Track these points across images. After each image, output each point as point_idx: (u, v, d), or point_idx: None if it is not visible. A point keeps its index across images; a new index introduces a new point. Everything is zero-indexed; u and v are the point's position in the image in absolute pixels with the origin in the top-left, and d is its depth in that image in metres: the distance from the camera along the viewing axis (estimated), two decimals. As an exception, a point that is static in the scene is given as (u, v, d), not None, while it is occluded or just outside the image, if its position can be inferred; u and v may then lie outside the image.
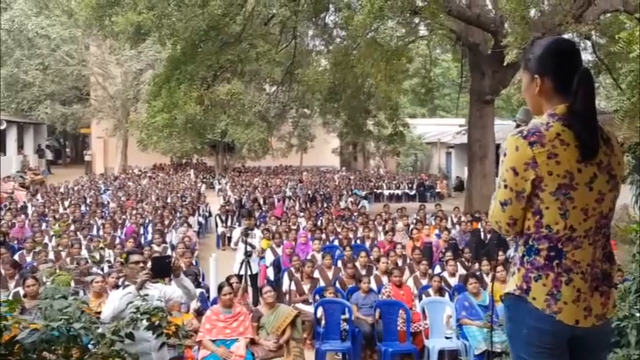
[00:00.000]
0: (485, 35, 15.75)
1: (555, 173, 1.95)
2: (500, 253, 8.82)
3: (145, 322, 3.76)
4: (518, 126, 2.14)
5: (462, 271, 8.63)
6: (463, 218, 13.14)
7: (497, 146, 20.52)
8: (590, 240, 2.00)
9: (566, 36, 17.06)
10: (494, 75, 15.54)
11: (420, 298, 7.57)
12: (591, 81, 2.02)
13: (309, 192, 20.80)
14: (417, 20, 16.72)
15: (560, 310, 1.98)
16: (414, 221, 12.94)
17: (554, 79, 2.05)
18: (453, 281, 8.19)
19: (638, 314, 3.37)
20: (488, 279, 8.11)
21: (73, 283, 6.44)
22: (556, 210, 1.97)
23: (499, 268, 7.94)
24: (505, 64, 12.37)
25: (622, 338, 3.15)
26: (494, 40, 14.99)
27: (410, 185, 25.72)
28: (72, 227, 10.94)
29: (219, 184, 24.79)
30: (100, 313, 4.33)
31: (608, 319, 2.08)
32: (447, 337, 6.88)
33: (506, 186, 2.04)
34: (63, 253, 9.13)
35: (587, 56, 19.60)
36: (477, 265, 8.79)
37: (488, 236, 11.30)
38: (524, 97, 2.21)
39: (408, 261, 9.34)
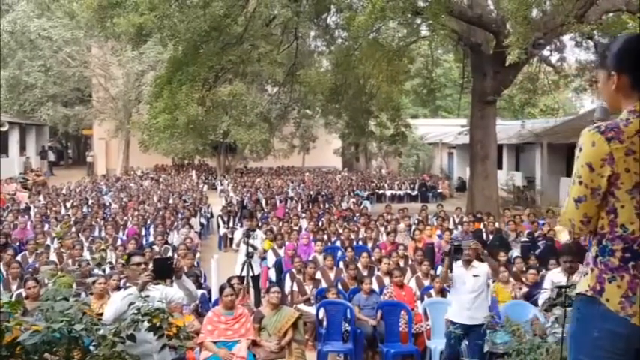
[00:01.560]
0: (487, 36, 15.72)
1: (633, 171, 1.90)
2: (502, 253, 8.81)
3: (146, 324, 3.76)
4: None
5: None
6: (465, 219, 13.13)
7: (499, 147, 20.52)
8: None
9: (567, 36, 17.09)
10: (495, 75, 15.51)
11: (422, 299, 7.57)
12: None
13: (311, 193, 20.80)
14: (418, 21, 16.70)
15: (635, 314, 1.92)
16: (416, 222, 12.92)
17: (631, 76, 1.99)
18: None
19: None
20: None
21: (74, 285, 6.45)
22: (632, 209, 1.92)
23: (501, 268, 7.94)
24: (507, 64, 12.35)
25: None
26: (495, 40, 14.97)
27: (412, 186, 25.71)
28: (73, 229, 10.95)
29: (221, 185, 24.80)
30: (101, 314, 4.33)
31: None
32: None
33: (580, 182, 1.98)
34: (65, 255, 9.14)
35: (589, 56, 19.61)
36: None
37: (491, 237, 11.29)
38: (601, 94, 2.14)
39: (410, 262, 9.33)
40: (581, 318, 2.05)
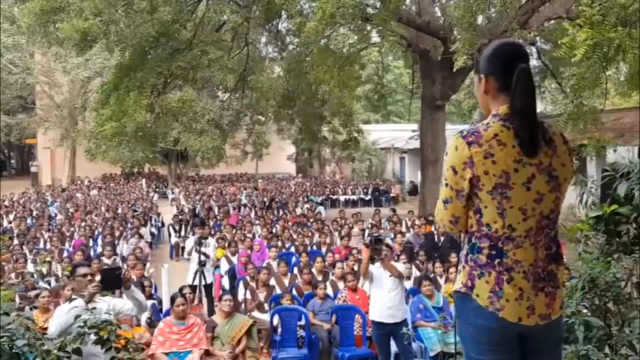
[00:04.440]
0: (435, 42, 16.04)
1: (491, 173, 1.97)
2: (453, 255, 8.97)
3: (93, 337, 3.63)
4: None
5: (416, 273, 8.72)
6: (417, 222, 13.31)
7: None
8: (532, 240, 2.01)
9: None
10: (444, 81, 15.83)
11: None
12: (530, 79, 2.03)
13: (265, 199, 20.69)
14: (368, 27, 16.90)
15: (502, 308, 1.99)
16: (370, 226, 13.02)
17: (498, 79, 2.08)
18: (408, 284, 8.26)
19: (585, 310, 3.46)
20: (441, 280, 8.23)
21: (17, 299, 6.18)
22: (494, 209, 1.99)
23: (452, 269, 8.08)
24: (454, 70, 12.61)
25: (570, 334, 3.22)
26: (443, 46, 15.27)
27: (365, 190, 25.95)
28: (16, 241, 10.55)
29: (173, 193, 24.37)
30: (46, 329, 4.17)
31: (554, 320, 2.08)
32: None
33: (447, 184, 2.07)
34: (7, 269, 8.75)
35: (532, 62, 20.30)
36: (430, 267, 8.90)
37: (442, 238, 11.48)
38: (477, 98, 2.23)
39: (364, 265, 9.36)
40: (459, 315, 2.15)
